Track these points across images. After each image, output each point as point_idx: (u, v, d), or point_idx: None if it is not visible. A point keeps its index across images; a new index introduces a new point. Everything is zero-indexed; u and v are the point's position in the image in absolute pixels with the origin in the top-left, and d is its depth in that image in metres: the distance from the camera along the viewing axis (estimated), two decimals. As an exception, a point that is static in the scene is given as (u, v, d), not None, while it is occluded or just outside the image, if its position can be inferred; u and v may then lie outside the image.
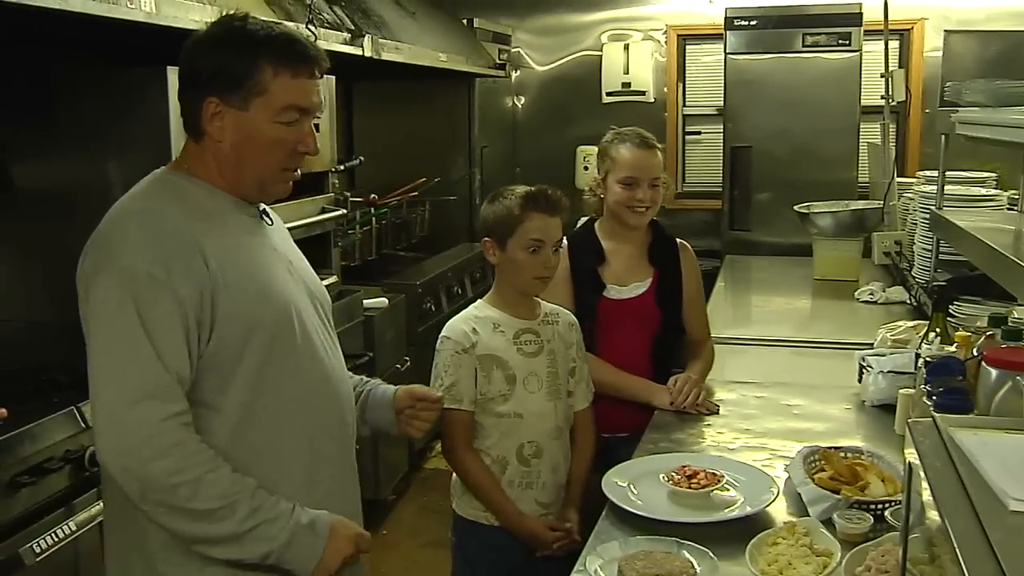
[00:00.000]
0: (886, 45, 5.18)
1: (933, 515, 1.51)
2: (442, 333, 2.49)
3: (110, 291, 1.66)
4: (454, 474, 2.52)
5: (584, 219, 3.08)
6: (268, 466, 1.78)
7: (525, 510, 2.45)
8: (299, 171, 1.88)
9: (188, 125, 1.81)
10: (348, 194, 4.24)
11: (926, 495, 1.40)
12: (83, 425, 2.41)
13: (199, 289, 1.69)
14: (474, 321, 2.48)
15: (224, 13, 1.84)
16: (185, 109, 1.80)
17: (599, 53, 6.59)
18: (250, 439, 1.77)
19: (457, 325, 2.48)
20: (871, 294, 4.27)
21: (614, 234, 2.93)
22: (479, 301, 2.57)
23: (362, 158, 4.45)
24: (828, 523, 1.96)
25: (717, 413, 2.76)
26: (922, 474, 1.27)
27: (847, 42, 5.53)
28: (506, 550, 2.45)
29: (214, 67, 1.74)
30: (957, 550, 1.01)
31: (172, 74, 2.69)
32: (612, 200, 2.88)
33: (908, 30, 5.99)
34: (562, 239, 2.52)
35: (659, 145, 2.92)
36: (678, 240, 3.03)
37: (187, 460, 1.65)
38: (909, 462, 1.33)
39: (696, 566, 1.81)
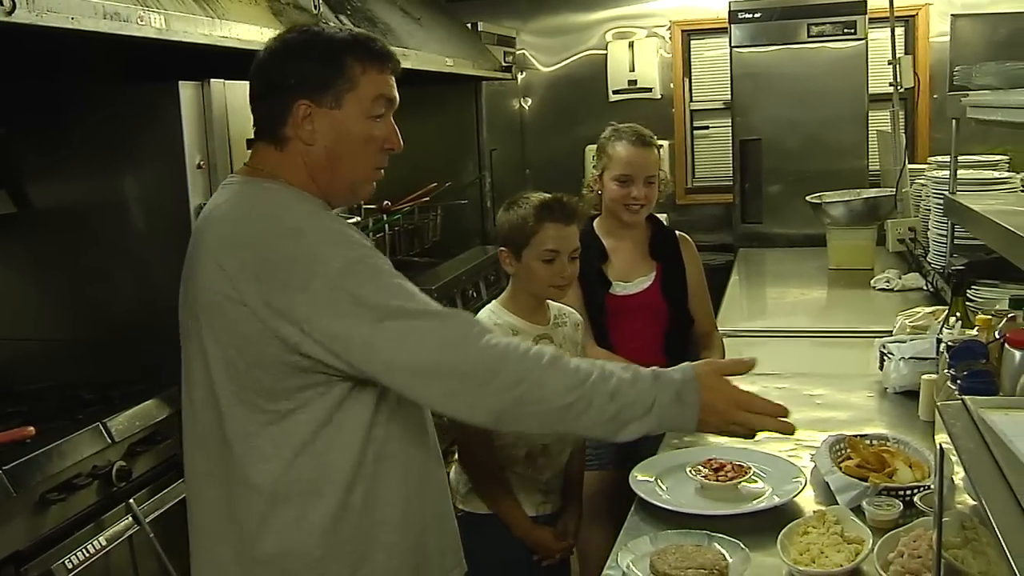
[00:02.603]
0: (892, 32, 5.16)
1: (964, 498, 1.50)
2: None
3: (344, 291, 1.61)
4: (452, 472, 2.53)
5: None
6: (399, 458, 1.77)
7: (528, 498, 2.50)
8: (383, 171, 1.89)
9: (270, 134, 1.78)
10: (360, 201, 4.24)
11: (957, 478, 1.40)
12: (109, 440, 2.43)
13: None
14: (493, 327, 2.48)
15: (295, 25, 1.84)
16: (266, 118, 1.78)
17: (604, 52, 6.57)
18: (397, 419, 1.78)
19: None
20: (887, 281, 4.26)
21: (613, 231, 2.95)
22: (494, 304, 2.57)
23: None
24: (857, 510, 1.96)
25: None
26: (954, 457, 1.27)
27: (852, 30, 5.50)
28: (512, 546, 2.48)
29: (301, 71, 1.74)
30: (997, 531, 1.01)
31: (184, 89, 2.71)
32: (608, 197, 2.90)
33: (913, 16, 5.96)
34: (579, 247, 2.50)
35: (657, 142, 2.93)
36: (677, 232, 3.04)
37: (519, 366, 1.61)
38: (940, 445, 1.33)
39: (728, 558, 1.81)
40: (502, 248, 2.50)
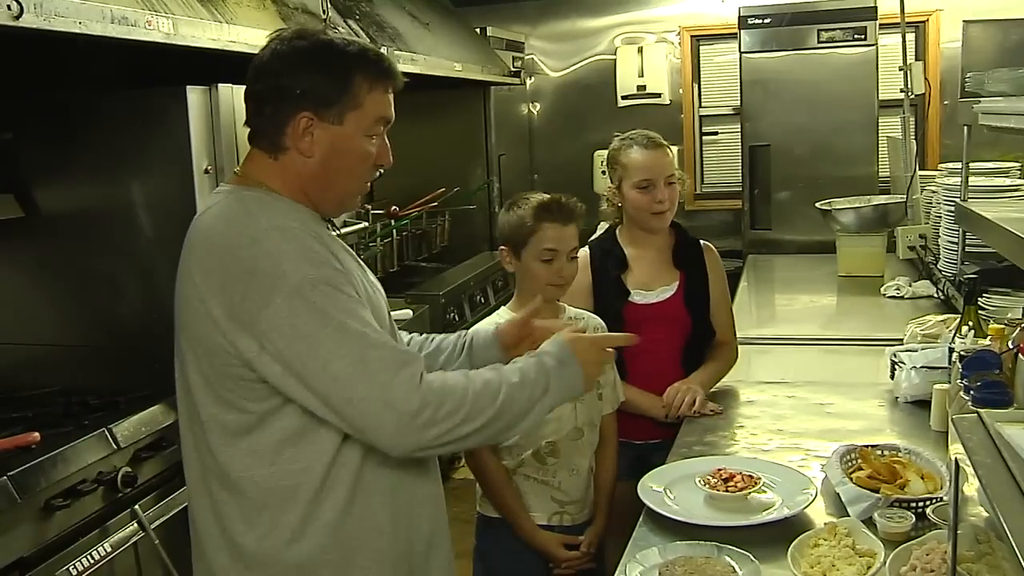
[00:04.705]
0: (903, 38, 5.14)
1: (979, 511, 1.49)
2: None
3: (300, 308, 1.60)
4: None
5: (606, 225, 3.06)
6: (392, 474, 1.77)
7: (541, 506, 2.48)
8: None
9: (268, 141, 1.76)
10: (368, 207, 4.24)
11: (971, 491, 1.38)
12: (115, 446, 2.42)
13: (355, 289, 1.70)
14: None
15: (303, 29, 1.80)
16: (264, 123, 1.76)
17: (613, 57, 6.58)
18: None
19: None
20: (897, 289, 4.23)
21: (636, 240, 2.91)
22: (503, 308, 2.58)
23: (382, 170, 4.44)
24: (869, 523, 1.93)
25: (721, 414, 2.73)
26: (970, 470, 1.25)
27: (863, 36, 5.50)
28: (527, 553, 2.47)
29: (308, 82, 1.72)
30: (1015, 546, 0.99)
31: (191, 93, 2.70)
32: (631, 206, 2.86)
33: (923, 22, 5.95)
34: (578, 247, 2.50)
35: (667, 143, 2.90)
36: (702, 242, 3.00)
37: (454, 395, 1.65)
38: (955, 458, 1.31)
39: (738, 570, 1.79)
40: (502, 247, 2.51)
